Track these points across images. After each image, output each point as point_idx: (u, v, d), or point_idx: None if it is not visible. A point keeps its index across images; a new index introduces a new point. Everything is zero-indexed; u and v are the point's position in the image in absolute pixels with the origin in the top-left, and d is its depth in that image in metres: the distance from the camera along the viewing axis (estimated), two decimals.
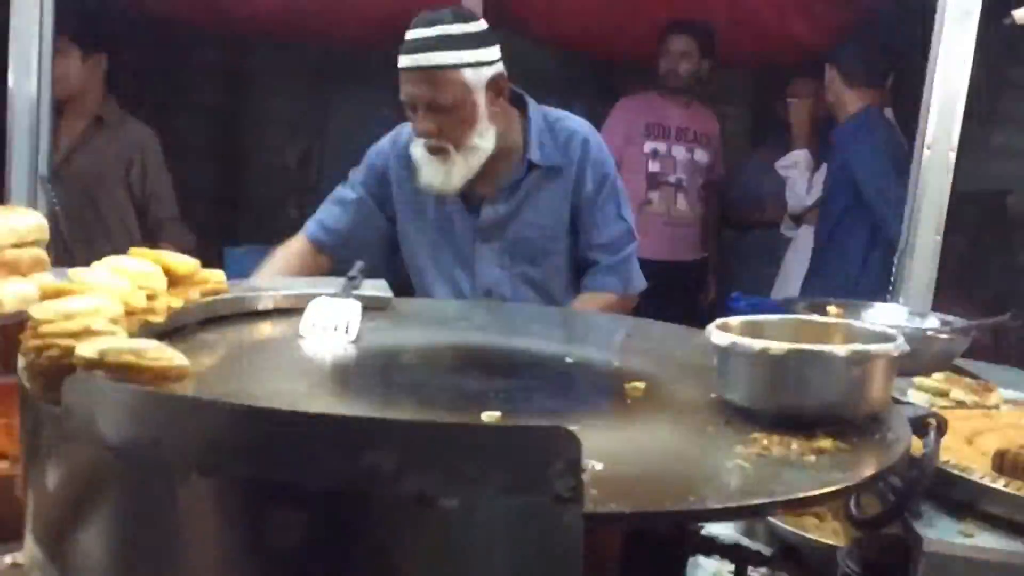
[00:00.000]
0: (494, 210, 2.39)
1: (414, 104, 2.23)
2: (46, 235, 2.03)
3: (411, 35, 2.20)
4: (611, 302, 2.41)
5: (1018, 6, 2.65)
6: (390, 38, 4.93)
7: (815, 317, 1.53)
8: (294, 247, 2.49)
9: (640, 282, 2.52)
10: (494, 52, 2.25)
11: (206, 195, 5.96)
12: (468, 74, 2.19)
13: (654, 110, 4.42)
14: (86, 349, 1.00)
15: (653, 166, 4.42)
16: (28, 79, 2.50)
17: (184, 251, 3.31)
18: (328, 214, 2.52)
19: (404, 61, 2.20)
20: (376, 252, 2.49)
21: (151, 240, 3.68)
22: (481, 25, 2.23)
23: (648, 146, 4.41)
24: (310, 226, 2.52)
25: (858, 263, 3.47)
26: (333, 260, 2.46)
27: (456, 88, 2.19)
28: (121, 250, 2.06)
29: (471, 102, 2.21)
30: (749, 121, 5.93)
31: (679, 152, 4.43)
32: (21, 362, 1.11)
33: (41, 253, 1.96)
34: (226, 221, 6.08)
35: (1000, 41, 2.87)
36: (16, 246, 1.90)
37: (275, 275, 2.34)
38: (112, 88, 3.70)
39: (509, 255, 2.42)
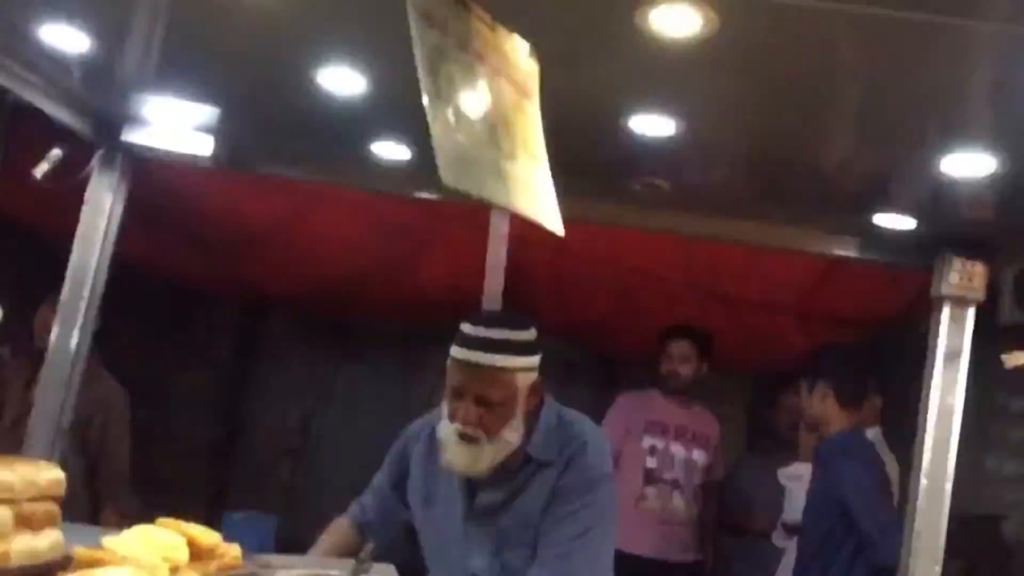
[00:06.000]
0: (488, 497, 2.43)
1: (460, 393, 2.33)
2: (63, 490, 2.06)
3: (472, 331, 2.31)
4: None
5: (1002, 346, 2.84)
6: (402, 314, 5.14)
7: None
8: (340, 524, 2.58)
9: None
10: (539, 359, 2.39)
11: (204, 455, 5.98)
12: (519, 377, 2.32)
13: (654, 408, 4.53)
14: None
15: (650, 462, 4.47)
16: (71, 333, 2.63)
17: (127, 516, 3.35)
18: (366, 496, 2.63)
19: (462, 354, 2.30)
20: (408, 534, 2.55)
21: (95, 502, 3.59)
22: (534, 334, 2.38)
23: (647, 442, 4.48)
24: (352, 506, 2.63)
25: None
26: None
27: (506, 389, 2.30)
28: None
29: (514, 401, 2.32)
30: (744, 424, 6.06)
31: (677, 450, 4.49)
32: None
33: (54, 509, 1.99)
34: (222, 482, 6.05)
35: (990, 371, 3.03)
36: (33, 499, 1.93)
37: (323, 549, 2.43)
38: (104, 343, 3.76)
39: (497, 542, 2.43)
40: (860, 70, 1.83)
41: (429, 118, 1.38)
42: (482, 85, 1.51)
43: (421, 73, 1.38)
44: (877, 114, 2.02)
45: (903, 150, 2.19)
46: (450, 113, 1.42)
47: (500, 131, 1.55)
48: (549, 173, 1.72)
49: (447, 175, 1.40)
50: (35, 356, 3.51)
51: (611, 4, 1.66)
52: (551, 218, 1.72)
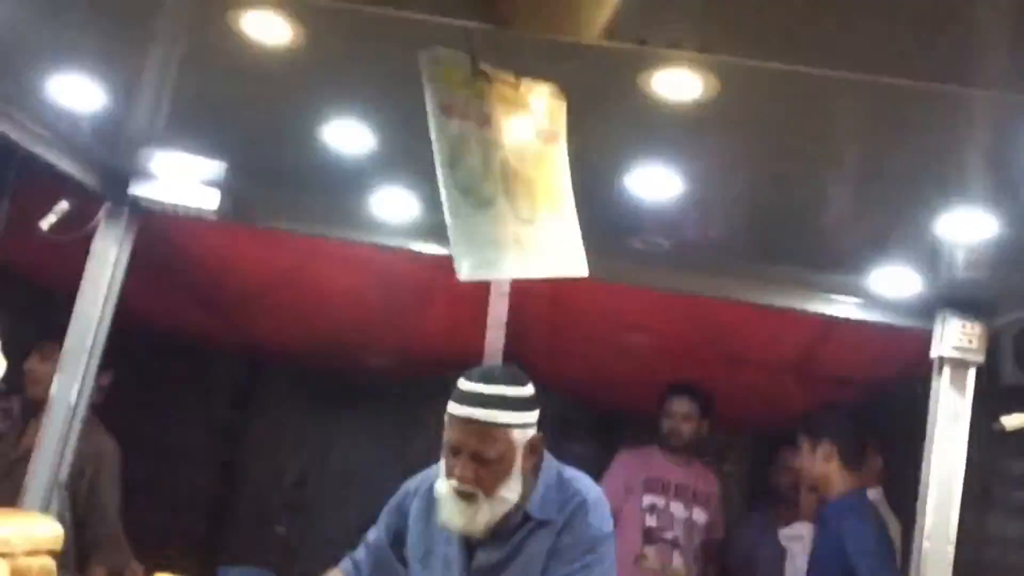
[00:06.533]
0: (488, 555, 2.41)
1: (457, 450, 2.32)
2: (60, 545, 2.05)
3: (468, 387, 2.31)
4: None
5: (1003, 407, 2.84)
6: (401, 369, 5.12)
7: None
8: None
9: None
10: (537, 415, 2.38)
11: (202, 509, 5.93)
12: (515, 433, 2.31)
13: (654, 465, 4.48)
14: None
15: (650, 520, 4.41)
16: (71, 388, 2.62)
17: (114, 572, 3.24)
18: (359, 551, 2.60)
19: (459, 410, 2.30)
20: None
21: (82, 555, 3.49)
22: (531, 389, 2.37)
23: (646, 500, 4.42)
24: (344, 560, 2.58)
25: None
26: None
27: (503, 445, 2.29)
28: None
29: (511, 458, 2.31)
30: (744, 483, 6.01)
31: (677, 509, 4.44)
32: None
33: (50, 563, 1.98)
34: (219, 536, 5.99)
35: (992, 432, 3.03)
36: (29, 553, 1.92)
37: None
38: (106, 398, 3.66)
39: None
40: (858, 135, 1.86)
41: (446, 210, 1.39)
42: (503, 155, 1.50)
43: (439, 165, 1.38)
44: (876, 177, 2.05)
45: (902, 213, 2.21)
46: (469, 202, 1.42)
47: (520, 197, 1.54)
48: (573, 212, 1.71)
49: (463, 268, 1.40)
50: (27, 406, 3.50)
51: (615, 68, 1.69)
52: (573, 264, 1.70)
